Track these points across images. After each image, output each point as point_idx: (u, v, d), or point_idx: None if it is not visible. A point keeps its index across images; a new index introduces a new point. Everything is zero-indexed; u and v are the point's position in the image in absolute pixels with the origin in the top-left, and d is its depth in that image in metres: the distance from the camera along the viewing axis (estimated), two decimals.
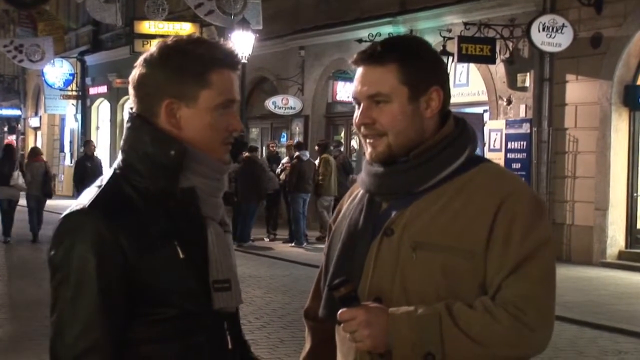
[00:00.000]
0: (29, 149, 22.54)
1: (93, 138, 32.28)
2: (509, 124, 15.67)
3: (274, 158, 19.45)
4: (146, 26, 24.22)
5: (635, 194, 14.35)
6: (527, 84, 15.46)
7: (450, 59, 14.92)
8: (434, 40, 15.15)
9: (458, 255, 2.03)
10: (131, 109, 2.08)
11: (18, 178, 17.13)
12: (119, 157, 2.06)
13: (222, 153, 2.07)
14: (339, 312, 2.00)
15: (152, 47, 2.07)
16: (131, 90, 2.06)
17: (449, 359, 1.98)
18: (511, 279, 2.01)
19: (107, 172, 2.06)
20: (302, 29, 20.93)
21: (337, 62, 20.05)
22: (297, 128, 21.54)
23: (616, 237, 14.21)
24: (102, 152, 26.57)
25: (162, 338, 1.96)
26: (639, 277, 12.81)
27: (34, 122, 38.57)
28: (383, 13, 18.42)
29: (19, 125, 40.43)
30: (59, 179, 34.85)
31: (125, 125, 2.07)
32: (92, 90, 32.18)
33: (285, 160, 17.95)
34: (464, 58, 15.40)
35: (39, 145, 36.03)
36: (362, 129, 2.15)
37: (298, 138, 20.46)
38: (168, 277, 1.94)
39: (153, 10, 22.67)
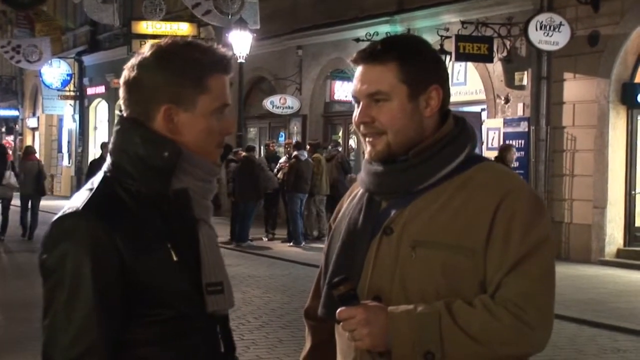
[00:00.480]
0: (24, 148, 22.76)
1: (91, 138, 32.35)
2: (506, 122, 15.69)
3: (273, 157, 19.45)
4: (144, 26, 24.23)
5: (633, 192, 14.36)
6: (525, 82, 15.47)
7: (448, 57, 14.91)
8: (431, 39, 15.15)
9: (458, 253, 2.03)
10: (121, 111, 2.05)
11: (10, 177, 17.45)
12: (108, 160, 2.03)
13: (216, 156, 2.07)
14: (338, 310, 2.00)
15: (145, 49, 2.03)
16: (123, 94, 2.02)
17: (449, 358, 1.97)
18: (511, 277, 2.00)
19: (97, 176, 2.04)
20: (300, 28, 20.93)
21: (334, 61, 20.06)
22: (295, 127, 21.54)
23: (614, 235, 14.22)
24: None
25: (159, 340, 1.94)
26: (637, 274, 12.81)
27: (31, 122, 38.53)
28: (381, 12, 18.42)
29: (17, 125, 40.39)
30: (57, 179, 34.85)
31: (115, 128, 2.05)
32: (90, 91, 32.16)
33: (283, 160, 17.95)
34: (461, 57, 15.41)
35: (36, 145, 36.07)
36: (362, 127, 2.15)
37: (296, 137, 20.46)
38: (164, 279, 1.93)
39: (150, 11, 22.66)
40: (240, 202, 16.77)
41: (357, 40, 16.95)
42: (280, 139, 22.40)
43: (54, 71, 31.92)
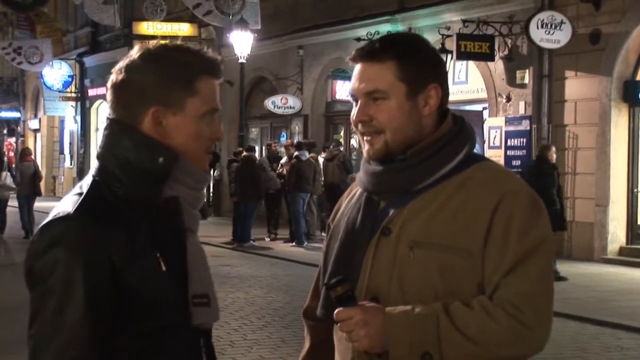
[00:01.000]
0: (20, 149, 23.02)
1: (92, 140, 32.33)
2: (508, 121, 15.67)
3: (275, 157, 19.44)
4: (144, 27, 24.23)
5: (635, 190, 14.35)
6: (527, 80, 15.46)
7: (449, 56, 14.90)
8: (432, 38, 15.14)
9: (456, 254, 2.01)
10: (109, 114, 2.01)
11: (6, 178, 17.69)
12: (96, 164, 1.99)
13: (205, 162, 2.03)
14: (335, 311, 1.98)
15: (134, 52, 2.00)
16: (111, 97, 1.99)
17: (447, 359, 1.96)
18: (509, 278, 1.99)
19: (85, 180, 1.99)
20: (301, 28, 20.92)
21: (335, 61, 20.04)
22: (297, 127, 21.54)
23: (617, 233, 14.21)
24: None
25: (148, 349, 1.90)
26: None
27: (33, 124, 38.55)
28: (381, 11, 18.42)
29: (19, 127, 40.41)
30: (59, 180, 34.85)
31: (103, 131, 2.01)
32: (91, 92, 32.15)
33: (284, 160, 17.94)
34: (462, 56, 15.40)
35: (38, 147, 36.09)
36: (360, 126, 2.14)
37: (297, 137, 20.45)
38: (153, 287, 1.88)
39: (151, 11, 22.67)
40: (241, 203, 16.77)
41: (358, 39, 16.93)
42: (282, 139, 22.39)
43: (55, 73, 31.93)
